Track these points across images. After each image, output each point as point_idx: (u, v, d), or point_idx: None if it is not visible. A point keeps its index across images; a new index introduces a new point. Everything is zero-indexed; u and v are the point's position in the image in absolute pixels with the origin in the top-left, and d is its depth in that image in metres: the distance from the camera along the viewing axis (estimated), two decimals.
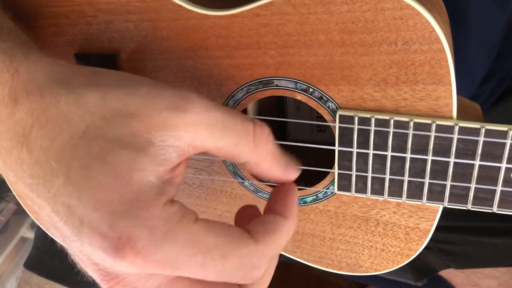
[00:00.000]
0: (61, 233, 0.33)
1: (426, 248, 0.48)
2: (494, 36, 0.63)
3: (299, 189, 0.49)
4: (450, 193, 0.43)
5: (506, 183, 0.41)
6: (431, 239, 0.48)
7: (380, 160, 0.44)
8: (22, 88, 0.33)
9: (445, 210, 0.45)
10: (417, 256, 0.49)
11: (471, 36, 0.60)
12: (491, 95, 0.68)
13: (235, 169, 0.51)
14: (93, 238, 0.31)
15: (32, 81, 0.34)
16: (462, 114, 0.42)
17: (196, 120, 0.33)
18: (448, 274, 0.79)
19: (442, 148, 0.42)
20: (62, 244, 0.34)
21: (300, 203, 0.50)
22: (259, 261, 0.34)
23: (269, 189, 0.51)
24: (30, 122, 0.32)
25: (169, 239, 0.31)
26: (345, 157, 0.45)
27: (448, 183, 0.43)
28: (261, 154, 0.36)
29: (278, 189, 0.40)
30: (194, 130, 0.33)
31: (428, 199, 0.44)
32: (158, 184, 0.32)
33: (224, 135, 0.34)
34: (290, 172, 0.39)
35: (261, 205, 0.52)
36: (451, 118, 0.41)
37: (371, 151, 0.44)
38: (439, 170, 0.43)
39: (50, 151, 0.32)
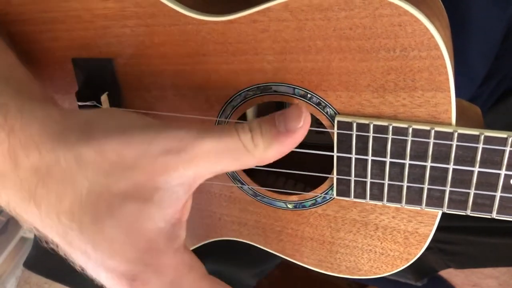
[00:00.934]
0: (80, 264, 0.36)
1: (426, 248, 0.48)
2: (494, 37, 0.62)
3: (298, 194, 0.49)
4: (449, 198, 0.43)
5: (505, 189, 0.41)
6: (431, 239, 0.47)
7: (379, 166, 0.44)
8: (18, 146, 0.35)
9: None
10: None
11: (472, 37, 0.60)
12: (491, 95, 0.68)
13: (234, 173, 0.51)
14: (110, 278, 0.34)
15: (28, 138, 0.35)
16: (462, 117, 0.42)
17: (190, 156, 0.34)
18: (448, 274, 0.79)
19: (441, 154, 0.41)
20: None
21: (299, 208, 0.50)
22: None
23: (269, 193, 0.50)
24: (34, 181, 0.34)
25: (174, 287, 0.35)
26: (344, 163, 0.45)
27: (447, 189, 0.43)
28: (261, 154, 0.36)
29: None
30: (194, 164, 0.34)
31: (427, 204, 0.44)
32: (169, 228, 0.34)
33: (219, 157, 0.35)
34: (294, 133, 0.37)
35: (261, 209, 0.52)
36: (450, 124, 0.41)
37: (369, 157, 0.43)
38: (438, 176, 0.42)
39: (60, 210, 0.34)
